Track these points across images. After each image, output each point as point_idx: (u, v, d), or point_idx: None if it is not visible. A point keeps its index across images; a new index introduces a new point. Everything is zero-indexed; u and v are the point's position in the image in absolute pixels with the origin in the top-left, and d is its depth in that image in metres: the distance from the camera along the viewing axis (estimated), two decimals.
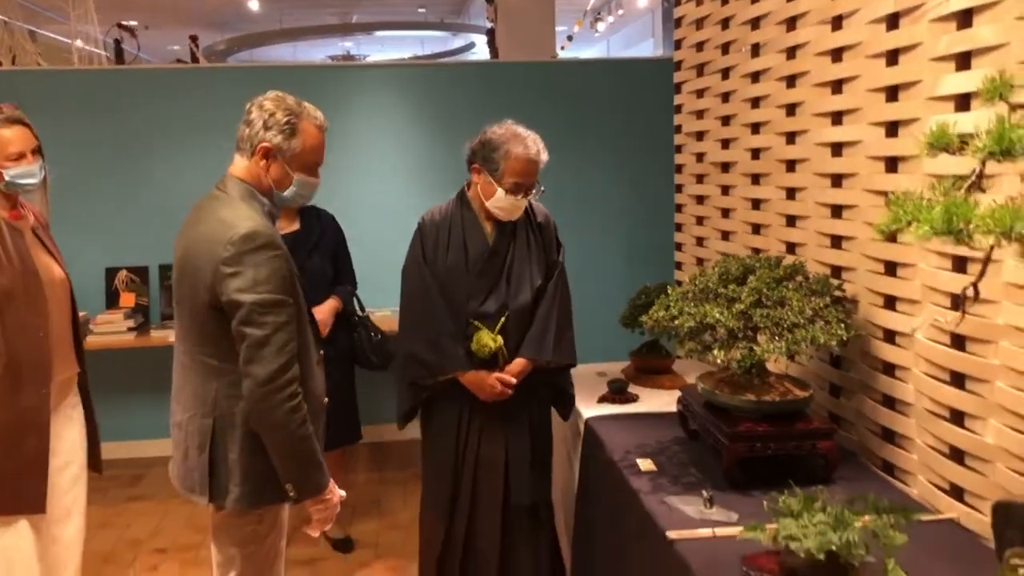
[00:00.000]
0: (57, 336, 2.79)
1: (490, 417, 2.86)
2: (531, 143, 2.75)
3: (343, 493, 2.25)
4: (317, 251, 3.73)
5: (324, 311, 3.68)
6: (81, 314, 3.07)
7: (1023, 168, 1.16)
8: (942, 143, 1.21)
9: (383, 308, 5.19)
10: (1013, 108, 1.20)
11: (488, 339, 2.77)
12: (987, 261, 1.22)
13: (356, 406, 4.06)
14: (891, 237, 2.27)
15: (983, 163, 1.18)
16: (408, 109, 5.34)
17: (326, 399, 2.32)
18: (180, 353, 2.23)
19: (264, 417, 2.03)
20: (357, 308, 3.93)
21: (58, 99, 5.04)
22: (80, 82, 5.13)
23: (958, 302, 2.02)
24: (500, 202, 2.76)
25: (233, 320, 2.02)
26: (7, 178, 2.65)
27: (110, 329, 4.80)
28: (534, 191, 2.79)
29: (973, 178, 1.20)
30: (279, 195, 2.22)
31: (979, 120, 1.28)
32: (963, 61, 1.96)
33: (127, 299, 5.07)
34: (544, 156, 2.77)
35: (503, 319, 2.81)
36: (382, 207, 5.33)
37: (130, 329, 4.83)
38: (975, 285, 1.23)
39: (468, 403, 2.85)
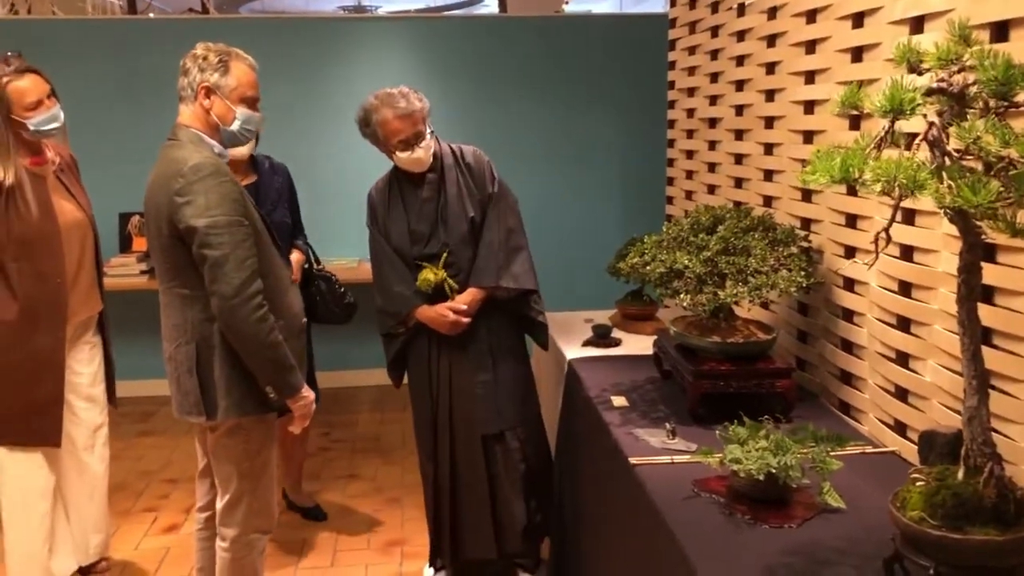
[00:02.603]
0: (77, 278, 2.96)
1: (454, 350, 3.03)
2: (397, 98, 2.87)
3: (313, 394, 2.48)
4: (280, 203, 3.57)
5: (292, 265, 3.49)
6: None
7: (919, 126, 1.30)
8: (851, 103, 1.36)
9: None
10: (920, 72, 1.34)
11: (429, 273, 2.94)
12: (896, 208, 1.37)
13: (312, 365, 3.63)
14: (851, 191, 2.42)
15: (891, 121, 1.33)
16: (416, 62, 5.46)
17: (305, 319, 2.54)
18: (160, 292, 2.42)
19: (235, 330, 2.25)
20: (313, 260, 3.74)
21: (73, 48, 5.19)
22: (94, 31, 5.27)
23: (908, 252, 2.17)
24: (403, 162, 2.94)
25: (192, 246, 2.22)
26: (32, 127, 2.79)
27: (123, 272, 5.01)
28: (425, 138, 2.91)
29: (883, 134, 1.34)
30: (227, 131, 2.39)
31: (921, 82, 1.43)
32: (917, 25, 2.09)
33: (140, 243, 5.26)
34: (417, 103, 2.88)
35: (445, 255, 2.98)
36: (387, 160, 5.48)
37: (143, 272, 5.03)
38: (887, 230, 1.38)
39: (434, 344, 3.04)
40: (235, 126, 2.40)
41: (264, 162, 3.62)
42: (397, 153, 2.92)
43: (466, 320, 2.95)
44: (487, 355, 3.05)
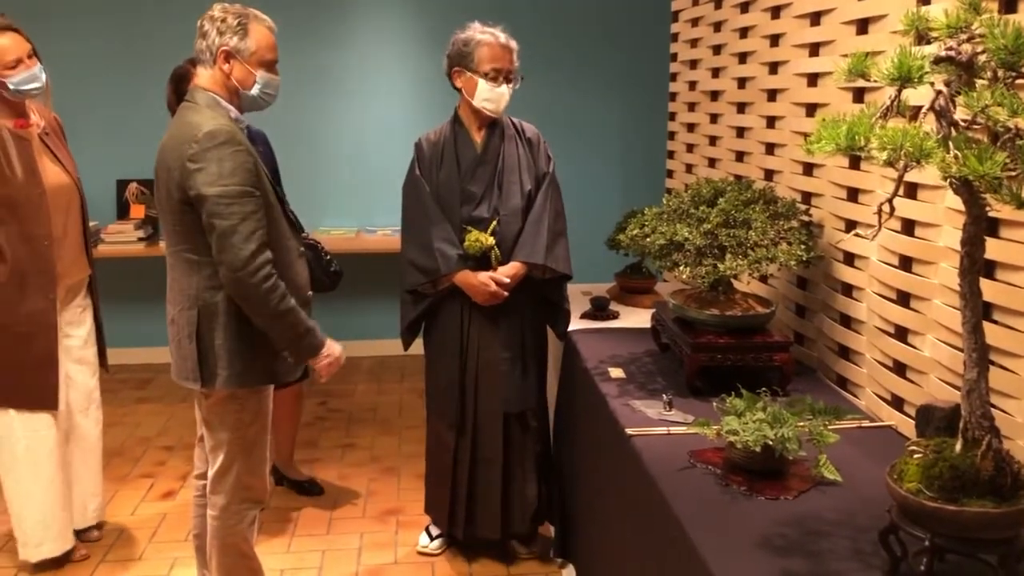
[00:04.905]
0: (64, 241, 2.93)
1: (487, 323, 2.96)
2: (498, 32, 2.88)
3: (340, 347, 2.45)
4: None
5: None
6: (91, 224, 3.22)
7: (924, 99, 1.29)
8: (858, 71, 1.34)
9: (385, 228, 5.35)
10: (928, 41, 1.32)
11: (480, 236, 2.87)
12: (900, 180, 1.36)
13: None
14: (853, 164, 2.41)
15: (899, 90, 1.31)
16: (416, 29, 5.39)
17: (311, 292, 2.50)
18: (168, 255, 2.39)
19: (245, 299, 2.23)
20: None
21: (72, 10, 5.13)
22: None
23: (910, 226, 2.16)
24: (485, 93, 2.86)
25: (202, 214, 2.19)
26: (11, 87, 2.75)
27: (121, 239, 4.98)
28: (513, 80, 2.89)
29: (890, 102, 1.33)
30: (247, 95, 2.36)
31: (929, 50, 1.41)
32: None
33: (137, 211, 5.23)
34: (514, 43, 2.89)
35: (495, 222, 2.93)
36: (387, 126, 5.44)
37: (140, 239, 5.01)
38: (890, 201, 1.37)
39: (467, 312, 2.97)
40: (255, 90, 2.37)
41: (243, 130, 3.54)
42: (483, 83, 2.84)
43: (505, 293, 2.90)
44: (518, 333, 3.00)
